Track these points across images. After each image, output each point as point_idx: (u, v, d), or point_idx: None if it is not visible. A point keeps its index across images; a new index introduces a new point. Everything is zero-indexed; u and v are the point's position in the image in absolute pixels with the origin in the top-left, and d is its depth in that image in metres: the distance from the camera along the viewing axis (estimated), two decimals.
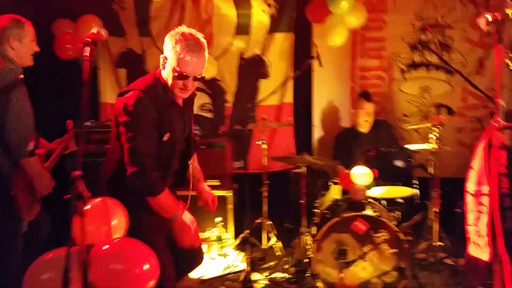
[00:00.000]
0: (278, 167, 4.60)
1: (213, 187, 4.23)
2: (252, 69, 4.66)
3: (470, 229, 1.65)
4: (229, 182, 4.29)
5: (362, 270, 3.21)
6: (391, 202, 3.66)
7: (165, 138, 2.21)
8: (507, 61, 3.92)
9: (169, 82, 2.19)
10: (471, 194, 1.63)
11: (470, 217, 1.64)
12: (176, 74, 2.13)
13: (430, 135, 3.60)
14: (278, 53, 4.63)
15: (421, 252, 3.75)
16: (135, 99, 2.10)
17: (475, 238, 1.64)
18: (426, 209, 3.76)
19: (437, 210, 3.62)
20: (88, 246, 1.81)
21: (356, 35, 4.52)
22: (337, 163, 4.07)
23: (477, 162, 1.60)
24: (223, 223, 4.09)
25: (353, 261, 3.21)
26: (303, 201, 3.75)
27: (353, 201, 3.49)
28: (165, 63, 2.20)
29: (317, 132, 4.73)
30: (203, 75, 2.19)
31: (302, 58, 4.44)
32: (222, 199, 4.27)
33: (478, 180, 1.59)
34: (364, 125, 4.12)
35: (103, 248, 1.88)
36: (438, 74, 4.48)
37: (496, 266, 1.57)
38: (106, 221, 1.95)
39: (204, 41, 2.21)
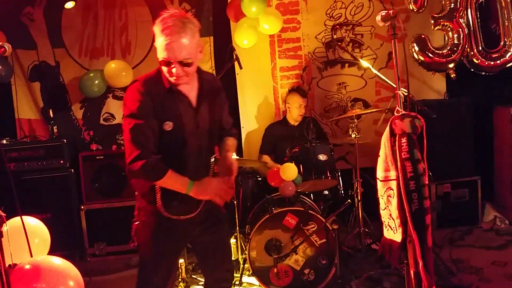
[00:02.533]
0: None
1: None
2: None
3: (383, 213, 1.77)
4: None
5: (295, 263, 3.32)
6: (318, 195, 3.81)
7: (167, 127, 2.04)
8: (413, 51, 4.19)
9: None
10: (381, 180, 1.74)
11: (382, 202, 1.76)
12: (159, 61, 2.00)
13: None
14: None
15: (349, 239, 3.93)
16: (130, 92, 2.04)
17: (388, 221, 1.75)
18: (351, 199, 3.95)
19: (360, 198, 3.81)
20: (10, 266, 1.72)
21: (273, 36, 4.65)
22: (265, 163, 4.16)
23: (382, 150, 1.71)
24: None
25: (287, 255, 3.31)
26: (235, 201, 3.80)
27: (282, 197, 3.60)
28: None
29: (246, 133, 4.80)
30: (189, 60, 1.96)
31: (224, 60, 4.48)
32: None
33: (385, 166, 1.71)
34: (298, 119, 4.26)
35: (25, 267, 1.80)
36: (352, 70, 4.72)
37: (408, 246, 1.70)
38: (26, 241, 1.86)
39: (188, 20, 1.97)
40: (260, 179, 4.04)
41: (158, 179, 2.01)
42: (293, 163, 3.55)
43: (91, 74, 4.46)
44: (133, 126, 1.98)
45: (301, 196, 3.67)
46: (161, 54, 1.96)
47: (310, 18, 4.64)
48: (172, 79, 2.01)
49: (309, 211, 3.32)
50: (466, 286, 3.26)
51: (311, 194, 3.76)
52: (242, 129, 4.79)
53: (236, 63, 3.94)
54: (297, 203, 3.50)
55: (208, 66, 4.67)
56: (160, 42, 1.94)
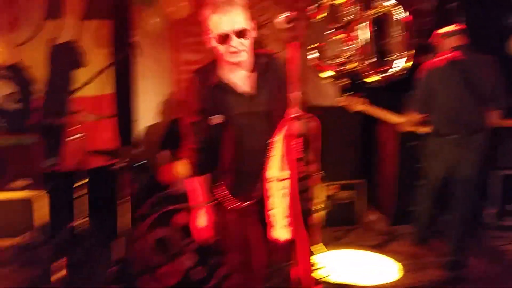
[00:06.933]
0: (98, 163, 4.35)
1: (22, 188, 3.85)
2: (66, 56, 4.31)
3: (274, 212, 1.78)
4: (40, 182, 3.91)
5: (185, 261, 3.26)
6: None
7: (217, 120, 2.04)
8: (310, 58, 4.35)
9: (221, 55, 2.01)
10: (274, 179, 1.75)
11: (273, 202, 1.77)
12: (215, 39, 1.95)
13: None
14: (95, 40, 4.36)
15: None
16: (188, 85, 2.10)
17: (278, 220, 1.77)
18: None
19: None
20: None
21: (177, 28, 4.52)
22: (161, 155, 4.03)
23: (277, 150, 1.73)
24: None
25: (177, 254, 3.24)
26: (128, 198, 3.62)
27: (175, 194, 3.51)
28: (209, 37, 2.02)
29: (143, 124, 4.60)
30: (245, 28, 1.95)
31: (123, 46, 4.27)
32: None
33: (279, 166, 1.73)
34: None
35: None
36: None
37: (297, 244, 1.73)
38: None
39: None
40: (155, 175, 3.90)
41: (199, 175, 2.11)
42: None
43: None
44: (192, 122, 2.08)
45: None
46: (216, 31, 1.94)
47: None
48: (231, 58, 1.98)
49: None
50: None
51: None
52: (139, 120, 4.59)
53: (136, 50, 3.77)
54: None
55: (105, 52, 4.39)
56: (213, 20, 1.95)
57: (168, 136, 4.26)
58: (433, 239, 4.13)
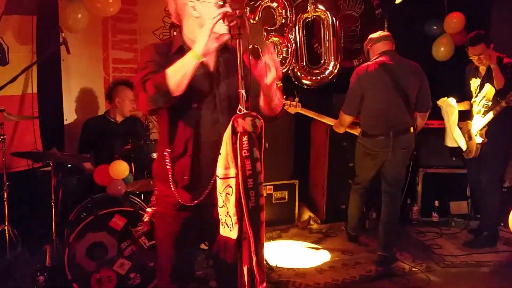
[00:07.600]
0: (22, 166, 4.07)
1: None
2: None
3: (221, 211, 1.76)
4: None
5: (120, 267, 3.14)
6: (149, 195, 3.67)
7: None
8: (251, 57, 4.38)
9: (193, 31, 1.95)
10: (220, 178, 1.74)
11: (220, 200, 1.75)
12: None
13: None
14: (17, 37, 4.07)
15: None
16: (143, 50, 2.16)
17: (225, 219, 1.75)
18: None
19: None
20: None
21: (107, 25, 4.36)
22: (88, 158, 3.85)
23: (224, 148, 1.71)
24: None
25: (111, 260, 3.11)
26: (53, 203, 3.42)
27: (110, 197, 3.38)
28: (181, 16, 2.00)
29: (69, 126, 4.37)
30: None
31: (49, 43, 4.02)
32: None
33: (226, 164, 1.71)
34: (127, 114, 4.00)
35: None
36: None
37: (243, 242, 1.72)
38: None
39: None
40: (83, 177, 3.73)
41: (164, 81, 1.79)
42: (124, 160, 3.38)
43: None
44: (141, 76, 1.87)
45: (130, 196, 3.50)
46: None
47: (148, 11, 4.48)
48: (223, 29, 1.80)
49: (139, 212, 3.18)
50: (284, 281, 3.52)
51: (142, 194, 3.62)
52: (65, 121, 4.36)
53: (63, 47, 3.57)
54: (126, 204, 3.33)
55: (29, 49, 4.12)
56: None
57: (86, 138, 4.02)
58: (363, 236, 4.34)
